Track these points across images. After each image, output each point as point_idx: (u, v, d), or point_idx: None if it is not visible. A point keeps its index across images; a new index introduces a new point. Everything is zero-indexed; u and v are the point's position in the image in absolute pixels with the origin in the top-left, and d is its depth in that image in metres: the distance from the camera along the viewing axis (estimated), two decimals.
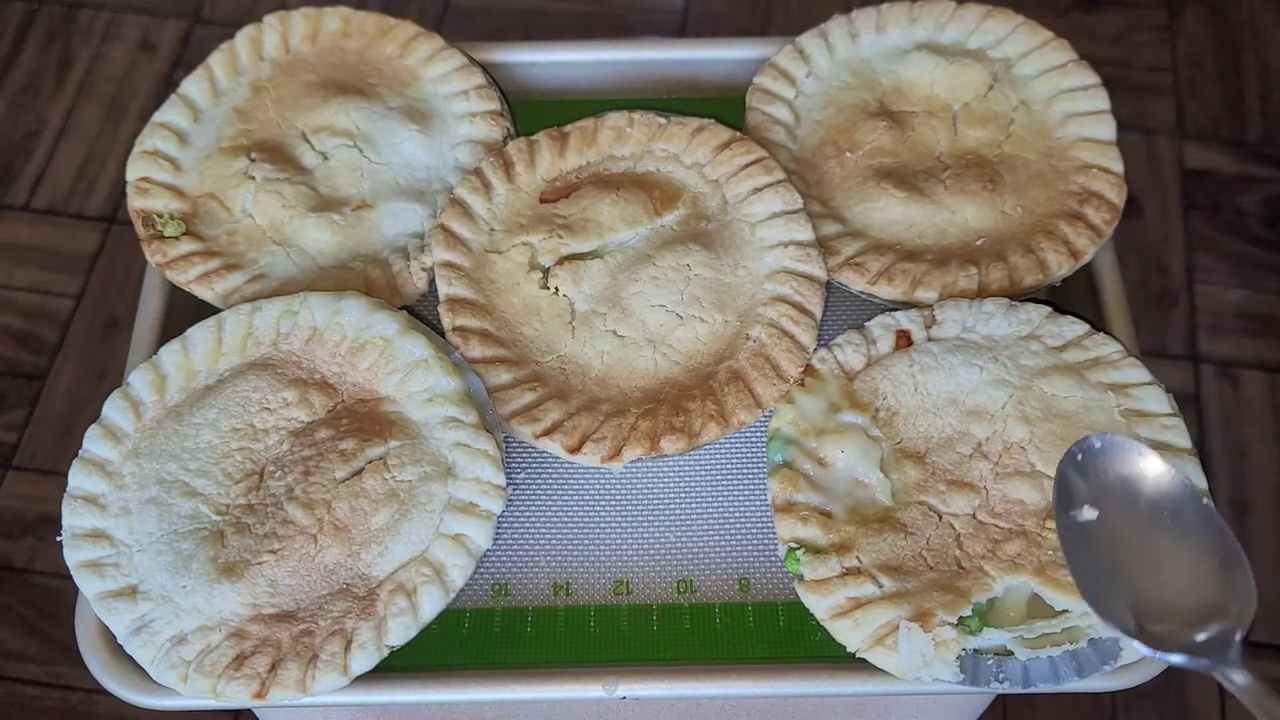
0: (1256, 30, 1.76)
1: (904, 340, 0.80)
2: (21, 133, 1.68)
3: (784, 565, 0.74)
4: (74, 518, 0.74)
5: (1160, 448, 0.74)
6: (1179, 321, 1.52)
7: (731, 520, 0.78)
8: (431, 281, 0.85)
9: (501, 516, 0.75)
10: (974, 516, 0.73)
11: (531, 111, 0.94)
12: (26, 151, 1.66)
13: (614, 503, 0.78)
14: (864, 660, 0.70)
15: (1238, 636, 0.58)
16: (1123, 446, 0.64)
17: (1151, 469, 0.63)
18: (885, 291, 0.83)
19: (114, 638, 0.72)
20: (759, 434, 0.80)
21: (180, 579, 0.71)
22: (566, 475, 0.79)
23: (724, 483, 0.79)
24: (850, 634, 0.70)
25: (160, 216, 0.87)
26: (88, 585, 0.72)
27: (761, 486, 0.78)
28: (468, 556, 0.73)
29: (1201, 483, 0.73)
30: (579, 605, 0.75)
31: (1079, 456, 0.64)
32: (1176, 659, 0.58)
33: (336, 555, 0.72)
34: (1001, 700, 1.28)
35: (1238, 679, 0.56)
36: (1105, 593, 0.59)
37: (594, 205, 0.84)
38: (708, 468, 0.80)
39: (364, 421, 0.76)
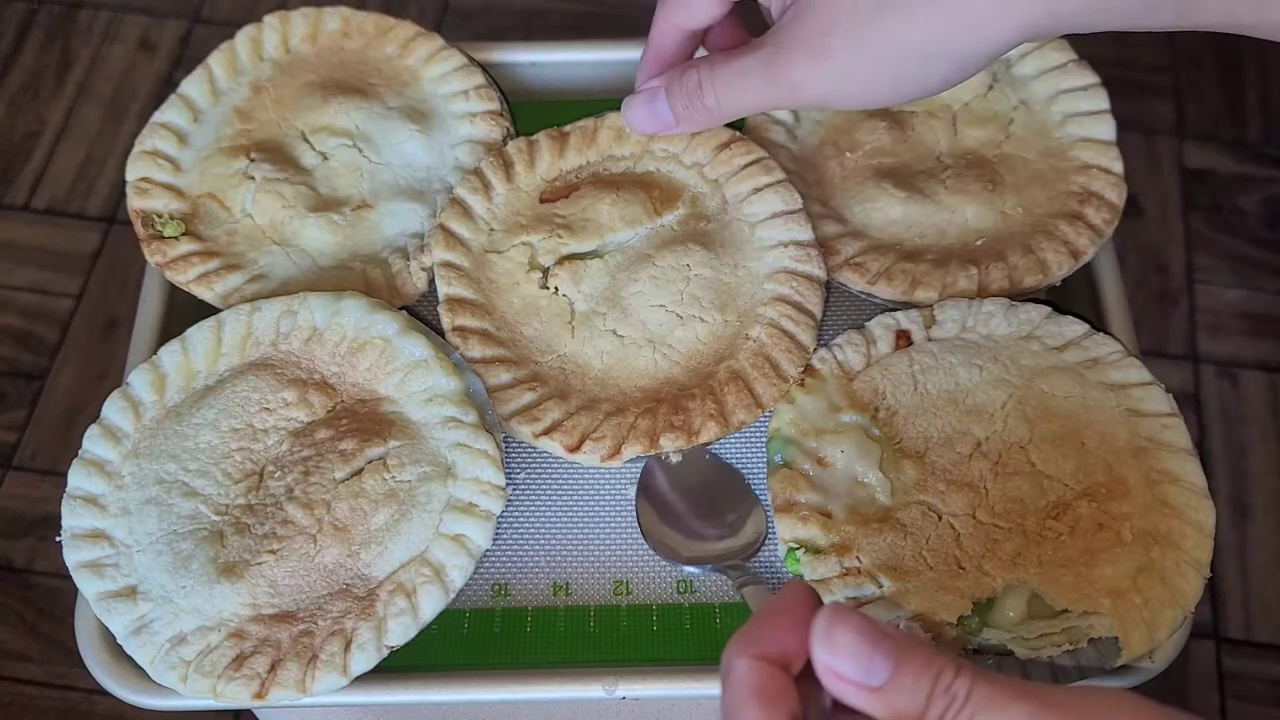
0: None
1: (904, 340, 0.80)
2: (21, 133, 1.68)
3: (784, 565, 0.74)
4: (73, 518, 0.74)
5: (1160, 447, 0.74)
6: (1179, 321, 1.52)
7: None
8: (431, 281, 0.85)
9: (501, 516, 0.75)
10: (974, 516, 0.73)
11: (531, 111, 0.94)
12: (26, 151, 1.66)
13: (614, 503, 0.78)
14: None
15: (747, 555, 0.75)
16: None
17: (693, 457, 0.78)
18: (885, 291, 0.83)
19: (114, 638, 0.72)
20: (759, 434, 0.80)
21: (180, 579, 0.71)
22: (566, 475, 0.79)
23: None
24: None
25: (160, 216, 0.87)
26: (87, 585, 0.72)
27: (761, 487, 0.78)
28: (468, 557, 0.73)
29: (1202, 481, 0.73)
30: (579, 605, 0.75)
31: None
32: (695, 570, 0.75)
33: (336, 555, 0.72)
34: None
35: (733, 575, 0.73)
36: (660, 537, 0.76)
37: (594, 205, 0.84)
38: None
39: (364, 422, 0.76)
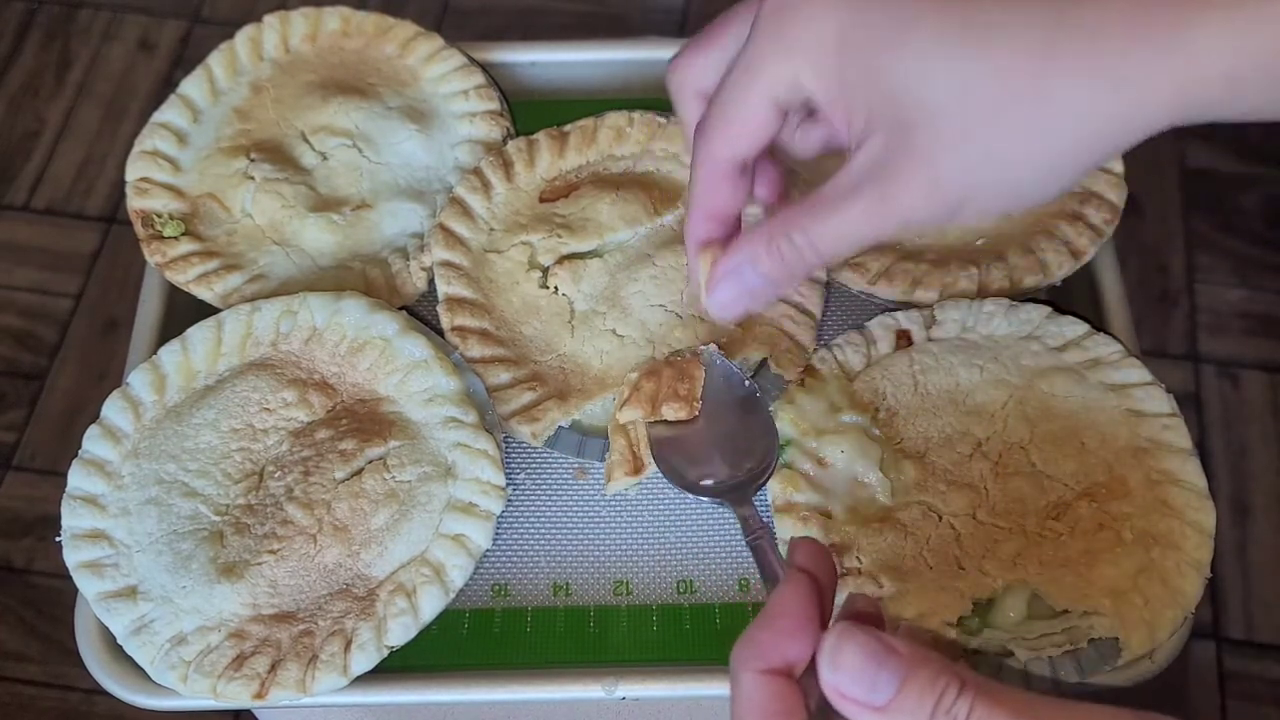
0: None
1: (904, 340, 0.80)
2: (21, 133, 1.68)
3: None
4: (73, 518, 0.74)
5: (1161, 448, 0.74)
6: (1179, 321, 1.52)
7: (732, 520, 0.77)
8: (431, 281, 0.85)
9: (501, 516, 0.75)
10: (974, 516, 0.73)
11: (531, 111, 0.94)
12: (26, 151, 1.66)
13: (614, 503, 0.78)
14: None
15: (756, 484, 0.72)
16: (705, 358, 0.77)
17: (717, 371, 0.77)
18: (885, 291, 0.83)
19: (113, 638, 0.72)
20: None
21: (180, 579, 0.71)
22: (566, 475, 0.79)
23: None
24: None
25: (159, 216, 0.87)
26: (87, 586, 0.72)
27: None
28: (467, 557, 0.73)
29: (1202, 482, 0.73)
30: (579, 605, 0.75)
31: None
32: (705, 500, 0.73)
33: (336, 555, 0.72)
34: None
35: (741, 511, 0.70)
36: (671, 462, 0.74)
37: (593, 205, 0.84)
38: None
39: (364, 422, 0.76)
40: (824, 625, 0.51)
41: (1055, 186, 0.56)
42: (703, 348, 0.77)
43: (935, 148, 0.55)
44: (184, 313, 0.84)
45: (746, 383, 0.77)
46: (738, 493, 0.71)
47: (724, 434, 0.75)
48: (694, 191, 0.65)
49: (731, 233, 0.65)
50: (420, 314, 0.85)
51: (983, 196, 0.56)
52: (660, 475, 0.74)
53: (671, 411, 0.75)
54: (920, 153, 0.55)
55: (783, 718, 0.48)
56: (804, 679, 0.49)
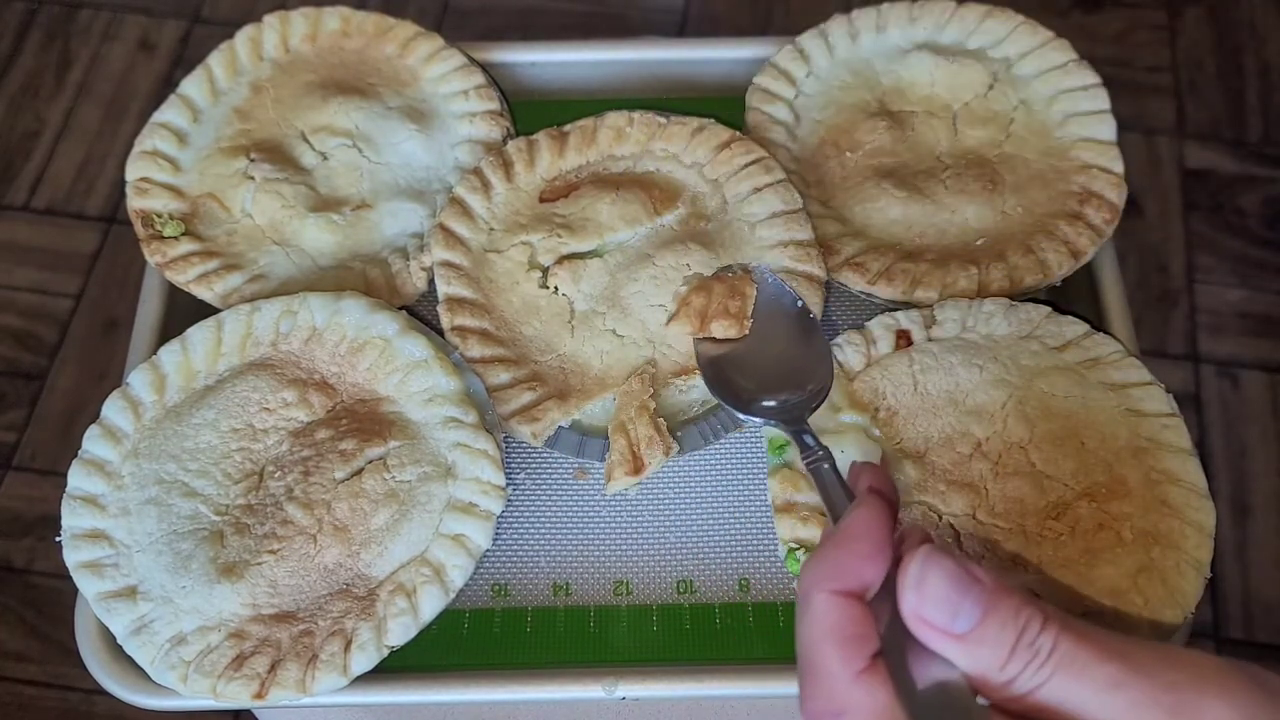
0: (1256, 30, 1.76)
1: (904, 340, 0.80)
2: (21, 133, 1.68)
3: (784, 565, 0.74)
4: (73, 518, 0.74)
5: (1160, 448, 0.74)
6: (1179, 321, 1.52)
7: (731, 520, 0.78)
8: (431, 281, 0.85)
9: (501, 516, 0.75)
10: (974, 516, 0.73)
11: (531, 111, 0.94)
12: (26, 151, 1.66)
13: (614, 503, 0.78)
14: None
15: (814, 405, 0.71)
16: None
17: (769, 290, 0.77)
18: (885, 291, 0.83)
19: (113, 638, 0.72)
20: (759, 434, 0.80)
21: (180, 579, 0.71)
22: (566, 475, 0.79)
23: (724, 483, 0.79)
24: None
25: (159, 216, 0.87)
26: (87, 586, 0.72)
27: (761, 486, 0.78)
28: (467, 557, 0.73)
29: (1202, 481, 0.73)
30: (579, 605, 0.75)
31: None
32: (758, 420, 0.70)
33: (336, 555, 0.72)
34: None
35: (799, 433, 0.68)
36: (725, 381, 0.73)
37: (593, 205, 0.84)
38: (708, 468, 0.79)
39: (364, 422, 0.76)
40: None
41: None
42: (755, 265, 0.75)
43: None
44: (184, 313, 0.84)
45: (799, 303, 0.75)
46: (794, 414, 0.69)
47: (779, 354, 0.73)
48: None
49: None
50: (420, 314, 0.85)
51: None
52: (659, 475, 0.74)
53: (721, 329, 0.74)
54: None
55: (856, 641, 0.47)
56: (874, 603, 0.48)
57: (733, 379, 0.72)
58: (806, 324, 0.75)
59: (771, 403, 0.71)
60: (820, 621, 0.47)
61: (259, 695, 0.69)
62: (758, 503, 0.78)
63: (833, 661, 0.47)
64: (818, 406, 0.71)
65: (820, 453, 0.65)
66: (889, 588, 0.49)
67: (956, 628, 0.45)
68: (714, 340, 0.73)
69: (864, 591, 0.48)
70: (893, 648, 0.48)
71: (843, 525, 0.50)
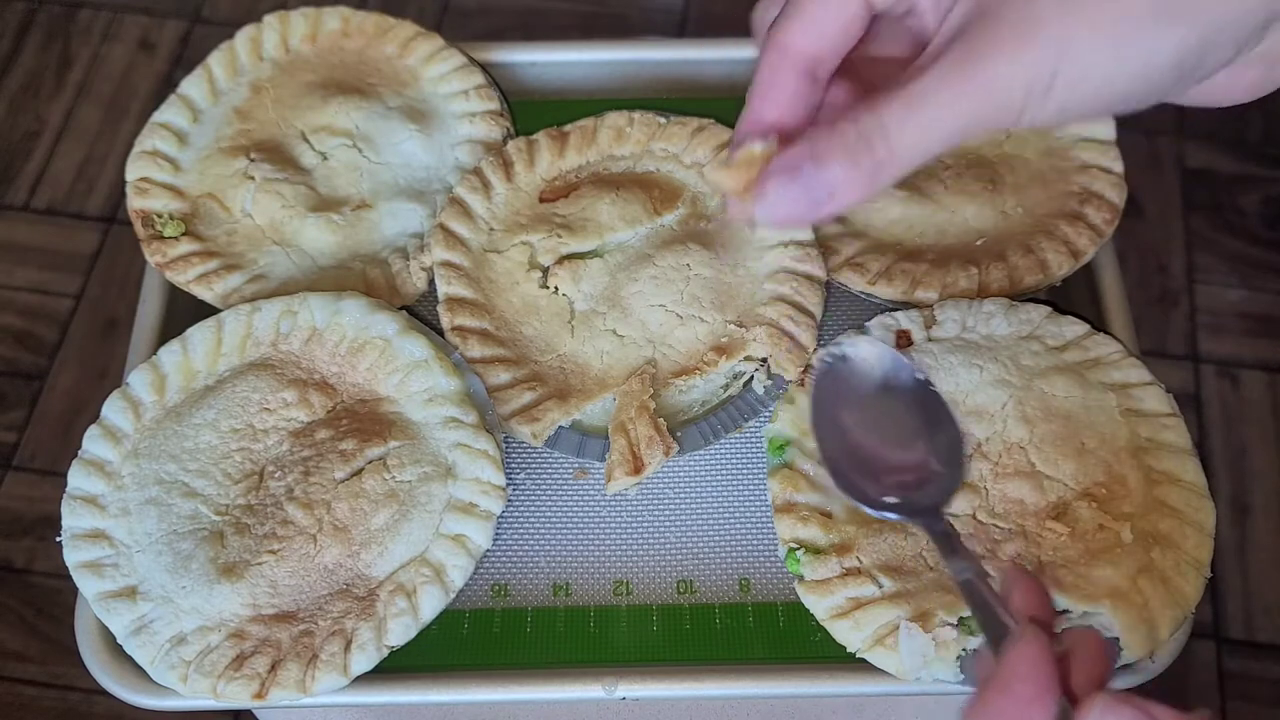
0: None
1: (904, 340, 0.80)
2: (21, 133, 1.68)
3: (784, 565, 0.74)
4: (73, 518, 0.74)
5: (1160, 448, 0.74)
6: (1179, 321, 1.52)
7: (731, 520, 0.78)
8: (431, 281, 0.85)
9: (501, 517, 0.75)
10: (974, 516, 0.73)
11: (531, 111, 0.94)
12: (26, 151, 1.66)
13: (614, 503, 0.78)
14: (864, 660, 0.70)
15: (947, 497, 0.66)
16: (866, 347, 0.71)
17: (883, 364, 0.70)
18: (885, 291, 0.83)
19: (114, 638, 0.72)
20: (759, 434, 0.80)
21: (180, 579, 0.71)
22: (566, 475, 0.79)
23: (724, 483, 0.79)
24: (850, 634, 0.70)
25: (160, 216, 0.87)
26: (87, 586, 0.72)
27: (761, 487, 0.78)
28: (468, 557, 0.73)
29: (1202, 481, 0.73)
30: (579, 606, 0.75)
31: (829, 362, 0.70)
32: (892, 516, 0.65)
33: (336, 555, 0.72)
34: None
35: (936, 528, 0.63)
36: (847, 473, 0.66)
37: (594, 205, 0.84)
38: (708, 468, 0.79)
39: (364, 422, 0.76)
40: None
41: (1155, 81, 0.48)
42: (864, 339, 0.69)
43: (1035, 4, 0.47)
44: (184, 313, 0.84)
45: (918, 376, 0.68)
46: (930, 509, 0.64)
47: (904, 439, 0.67)
48: (754, 81, 0.54)
49: (789, 139, 0.53)
50: (420, 314, 0.85)
51: (1097, 57, 0.47)
52: (659, 475, 0.74)
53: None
54: (1016, 11, 0.47)
55: None
56: None
57: (855, 482, 0.66)
58: (929, 400, 0.68)
59: (896, 499, 0.65)
60: None
61: (259, 695, 0.69)
62: (758, 503, 0.78)
63: None
64: (952, 495, 0.66)
65: (970, 565, 0.59)
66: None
67: None
68: (840, 431, 0.67)
69: None
70: None
71: (1004, 666, 0.49)
